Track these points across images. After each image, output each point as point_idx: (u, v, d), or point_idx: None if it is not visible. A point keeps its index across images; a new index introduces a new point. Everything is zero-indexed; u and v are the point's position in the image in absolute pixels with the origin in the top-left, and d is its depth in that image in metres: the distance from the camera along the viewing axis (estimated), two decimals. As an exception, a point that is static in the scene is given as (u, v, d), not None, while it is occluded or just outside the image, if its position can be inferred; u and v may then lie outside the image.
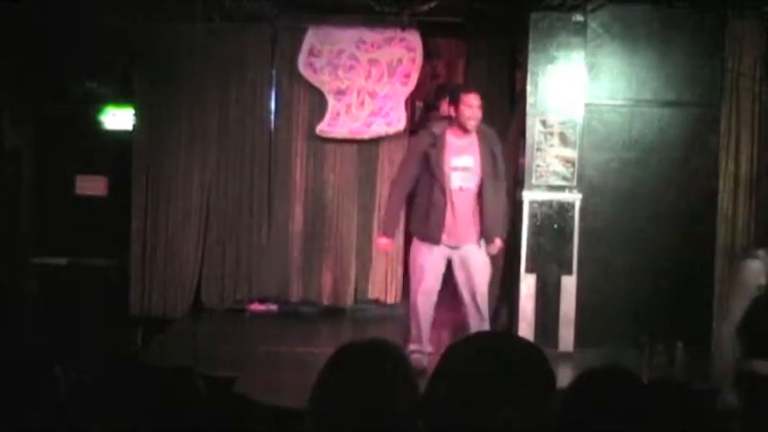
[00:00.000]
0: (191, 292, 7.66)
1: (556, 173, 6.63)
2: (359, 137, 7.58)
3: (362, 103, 7.52)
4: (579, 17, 6.60)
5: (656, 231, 6.74)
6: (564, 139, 6.63)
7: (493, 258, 5.96)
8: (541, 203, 6.64)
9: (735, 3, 6.58)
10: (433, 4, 6.65)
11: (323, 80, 7.53)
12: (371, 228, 7.66)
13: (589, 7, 6.55)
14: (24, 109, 7.89)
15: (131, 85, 7.71)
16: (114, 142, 7.89)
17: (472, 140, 5.69)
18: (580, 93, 6.64)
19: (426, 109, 8.80)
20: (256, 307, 7.69)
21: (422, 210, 5.72)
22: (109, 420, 2.54)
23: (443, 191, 5.63)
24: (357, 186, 7.69)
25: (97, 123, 7.96)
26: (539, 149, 6.64)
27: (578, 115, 6.65)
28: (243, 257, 7.68)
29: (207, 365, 5.19)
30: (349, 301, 7.72)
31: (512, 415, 1.60)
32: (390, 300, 7.72)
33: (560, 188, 6.64)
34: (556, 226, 6.63)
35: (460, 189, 5.65)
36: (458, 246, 5.71)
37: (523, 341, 1.86)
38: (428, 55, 7.91)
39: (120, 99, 7.85)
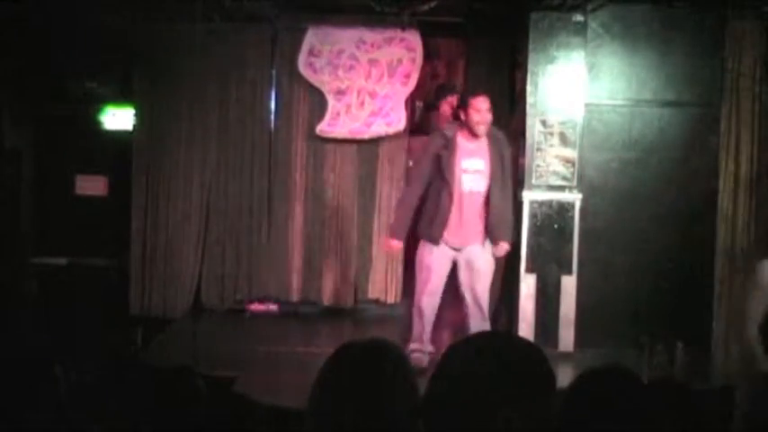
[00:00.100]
0: (191, 292, 7.65)
1: (556, 173, 6.63)
2: (359, 137, 7.58)
3: (362, 103, 7.52)
4: (579, 17, 6.60)
5: (656, 231, 6.74)
6: (564, 139, 6.63)
7: (495, 259, 5.97)
8: (541, 203, 6.64)
9: (735, 3, 6.57)
10: (433, 4, 6.65)
11: (323, 80, 7.53)
12: (371, 228, 7.66)
13: (589, 7, 6.55)
14: (24, 109, 7.89)
15: (131, 85, 7.70)
16: (114, 142, 7.88)
17: (483, 143, 5.71)
18: (580, 93, 6.64)
19: (426, 109, 8.80)
20: (256, 307, 7.68)
21: (429, 211, 5.73)
22: (109, 420, 2.54)
23: (451, 193, 5.64)
24: (357, 186, 7.68)
25: (97, 123, 7.95)
26: (539, 149, 6.65)
27: (578, 115, 6.65)
28: (243, 257, 7.68)
29: (207, 365, 5.19)
30: (349, 301, 7.71)
31: (512, 415, 1.60)
32: (390, 300, 7.72)
33: (560, 188, 6.64)
34: (556, 226, 6.63)
35: (470, 192, 5.68)
36: (463, 247, 5.74)
37: (523, 341, 1.86)
38: (428, 55, 7.90)
39: (120, 99, 7.84)
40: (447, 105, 7.86)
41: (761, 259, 4.10)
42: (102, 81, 7.89)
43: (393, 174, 7.64)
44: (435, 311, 5.86)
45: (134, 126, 7.71)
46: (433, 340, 5.94)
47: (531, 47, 6.63)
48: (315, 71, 7.52)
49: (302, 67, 7.52)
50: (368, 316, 7.69)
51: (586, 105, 6.67)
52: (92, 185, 8.02)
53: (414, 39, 7.48)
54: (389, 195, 7.62)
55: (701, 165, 6.75)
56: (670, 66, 6.73)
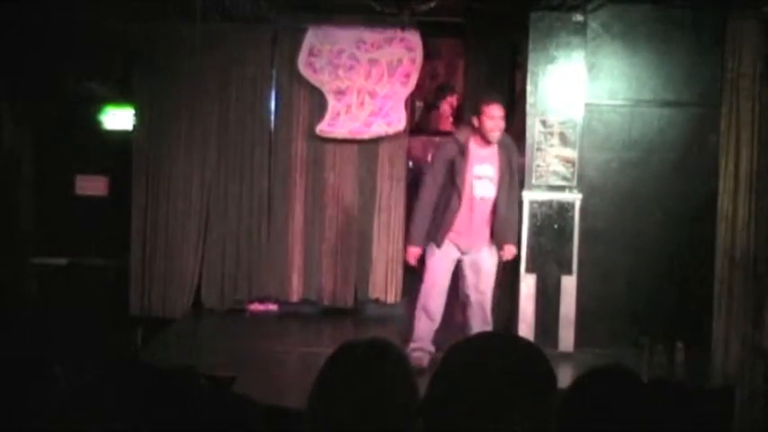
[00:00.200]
0: (191, 292, 7.66)
1: (556, 173, 6.63)
2: (359, 137, 7.57)
3: (362, 103, 7.52)
4: (579, 17, 6.60)
5: (657, 231, 6.74)
6: (564, 139, 6.64)
7: (501, 262, 6.01)
8: (541, 203, 6.64)
9: (735, 2, 6.57)
10: (432, 4, 6.64)
11: (323, 80, 7.53)
12: (372, 228, 7.66)
13: (589, 7, 6.55)
14: (24, 109, 7.89)
15: (131, 85, 7.70)
16: (114, 142, 7.88)
17: (493, 150, 5.75)
18: (580, 93, 6.64)
19: (426, 109, 8.80)
20: (256, 307, 7.68)
21: (438, 216, 5.76)
22: (109, 420, 2.53)
23: (461, 198, 5.66)
24: (357, 186, 7.68)
25: (97, 123, 7.95)
26: (539, 149, 6.65)
27: (578, 115, 6.65)
28: (243, 257, 7.67)
29: (207, 365, 5.19)
30: (349, 301, 7.71)
31: (512, 415, 1.60)
32: (390, 300, 7.71)
33: (560, 188, 6.64)
34: (556, 226, 6.63)
35: (482, 199, 5.72)
36: (471, 251, 5.80)
37: (523, 341, 1.86)
38: (428, 55, 7.90)
39: (120, 99, 7.84)
40: (447, 105, 7.89)
41: None
42: (102, 81, 7.89)
43: (393, 173, 7.63)
44: (442, 313, 5.91)
45: (134, 126, 7.71)
46: (434, 340, 5.95)
47: (530, 47, 6.63)
48: (315, 71, 7.52)
49: (302, 67, 7.52)
50: (368, 316, 7.69)
51: (586, 105, 6.67)
52: (92, 185, 8.01)
53: (414, 39, 7.48)
54: (389, 195, 7.62)
55: (701, 165, 6.74)
56: (670, 66, 6.73)
